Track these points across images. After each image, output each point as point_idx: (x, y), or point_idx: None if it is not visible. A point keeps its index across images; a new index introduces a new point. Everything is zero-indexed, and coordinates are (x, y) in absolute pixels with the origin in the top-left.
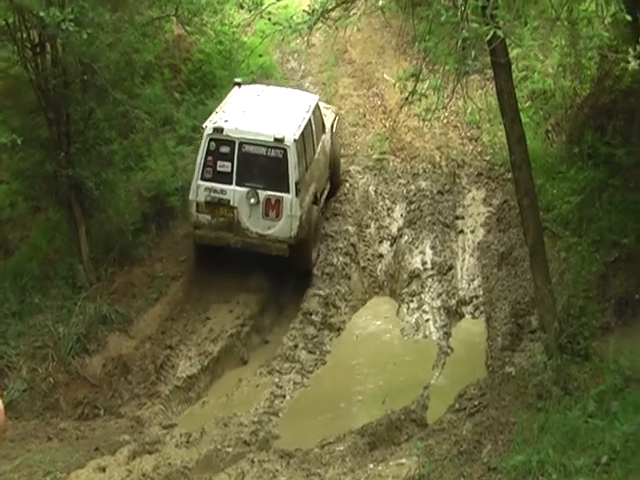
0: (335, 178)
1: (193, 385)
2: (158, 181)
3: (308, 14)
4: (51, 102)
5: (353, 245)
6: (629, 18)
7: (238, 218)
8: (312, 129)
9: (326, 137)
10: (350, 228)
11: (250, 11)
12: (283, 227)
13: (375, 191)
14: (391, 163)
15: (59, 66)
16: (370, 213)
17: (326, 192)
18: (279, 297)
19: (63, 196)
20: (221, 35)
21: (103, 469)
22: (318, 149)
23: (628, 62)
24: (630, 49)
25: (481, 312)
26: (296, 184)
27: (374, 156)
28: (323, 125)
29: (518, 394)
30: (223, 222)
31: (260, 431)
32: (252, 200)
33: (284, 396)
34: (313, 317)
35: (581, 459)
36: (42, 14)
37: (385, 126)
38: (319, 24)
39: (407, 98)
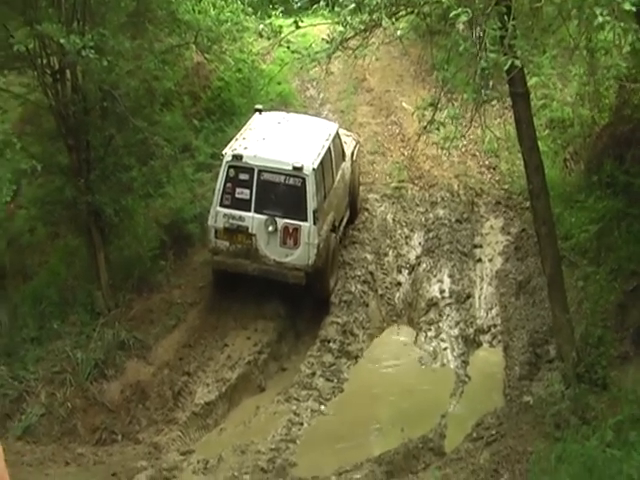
0: (354, 205)
1: (211, 412)
2: (177, 208)
3: (327, 42)
4: (71, 129)
5: (371, 273)
6: None
7: (256, 245)
8: (331, 157)
9: (346, 165)
10: (368, 256)
11: (269, 39)
12: (301, 255)
13: (393, 219)
14: (409, 191)
15: (79, 93)
16: (388, 241)
17: (345, 220)
18: (297, 324)
19: (82, 222)
20: (240, 63)
21: None
22: (337, 177)
23: None
24: None
25: (499, 341)
26: (314, 212)
27: (392, 184)
28: (343, 153)
29: (536, 423)
30: (241, 249)
31: (277, 458)
32: (270, 227)
33: (301, 424)
34: (331, 345)
35: None
36: (62, 41)
37: (403, 154)
38: (338, 53)
39: (425, 127)
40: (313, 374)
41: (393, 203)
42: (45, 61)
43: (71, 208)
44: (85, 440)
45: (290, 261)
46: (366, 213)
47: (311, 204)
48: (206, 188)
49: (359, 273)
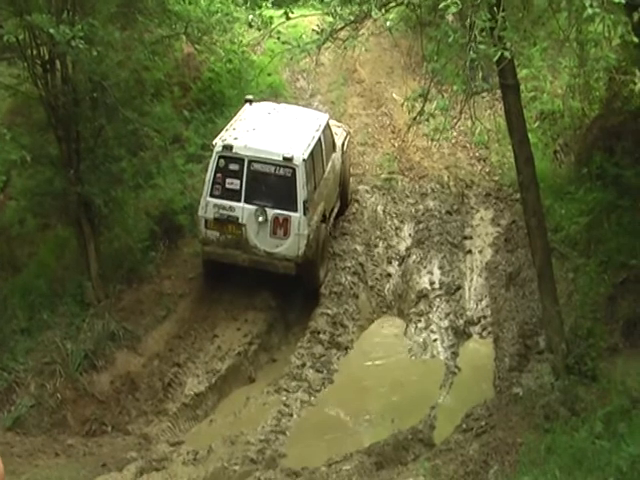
0: (345, 197)
1: (201, 403)
2: (167, 199)
3: (317, 33)
4: (61, 119)
5: (361, 264)
6: (637, 40)
7: (246, 236)
8: (322, 148)
9: (336, 156)
10: (358, 247)
11: (259, 30)
12: (291, 246)
13: (384, 211)
14: (400, 183)
15: (69, 83)
16: (378, 232)
17: (335, 210)
18: (287, 315)
19: (72, 213)
20: (230, 54)
21: None
22: (328, 168)
23: (635, 84)
24: (637, 71)
25: (489, 332)
26: (304, 203)
27: (383, 175)
28: (333, 144)
29: (525, 415)
30: (231, 239)
31: (267, 449)
32: (260, 218)
33: (291, 415)
34: (321, 336)
35: None
36: (52, 31)
37: (394, 146)
38: (328, 44)
39: (415, 118)
40: (303, 365)
41: (383, 194)
42: (35, 52)
43: (61, 199)
44: (75, 431)
45: (280, 252)
46: (356, 204)
47: (301, 195)
48: (196, 179)
49: (349, 264)
